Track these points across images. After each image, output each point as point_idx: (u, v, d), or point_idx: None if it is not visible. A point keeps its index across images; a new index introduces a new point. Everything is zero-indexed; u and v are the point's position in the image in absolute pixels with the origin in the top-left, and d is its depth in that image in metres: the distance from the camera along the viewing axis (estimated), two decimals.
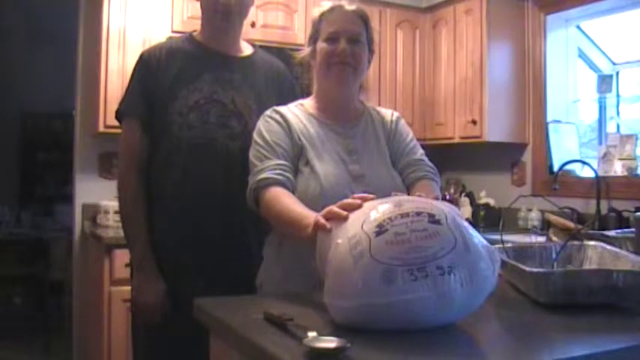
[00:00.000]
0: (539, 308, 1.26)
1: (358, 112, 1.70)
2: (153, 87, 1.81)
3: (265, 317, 1.13)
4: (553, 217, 2.04)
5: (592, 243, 1.53)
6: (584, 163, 3.38)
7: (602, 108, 3.70)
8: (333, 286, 1.08)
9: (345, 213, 1.18)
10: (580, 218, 3.20)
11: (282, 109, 1.65)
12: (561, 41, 3.72)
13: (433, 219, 1.08)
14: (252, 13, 3.05)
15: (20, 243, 5.18)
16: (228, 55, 1.88)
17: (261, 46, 2.05)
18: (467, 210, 3.83)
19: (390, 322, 1.03)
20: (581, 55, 3.79)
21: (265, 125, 1.60)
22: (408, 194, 1.50)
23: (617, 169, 3.30)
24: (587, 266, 1.48)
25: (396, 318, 1.03)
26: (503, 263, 1.36)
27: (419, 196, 1.29)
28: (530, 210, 3.55)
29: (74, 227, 3.51)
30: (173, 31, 3.18)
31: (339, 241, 1.12)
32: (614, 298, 1.23)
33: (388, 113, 1.75)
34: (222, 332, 1.19)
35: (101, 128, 3.13)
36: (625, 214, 3.06)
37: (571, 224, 1.99)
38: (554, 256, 1.52)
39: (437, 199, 1.34)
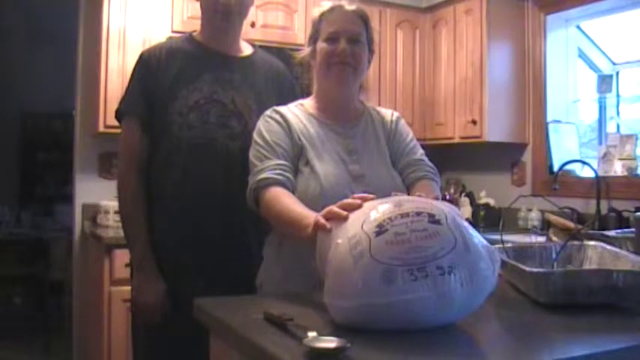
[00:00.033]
0: (539, 308, 1.25)
1: (358, 112, 1.70)
2: (153, 87, 1.81)
3: (265, 317, 1.13)
4: (553, 217, 2.04)
5: (592, 243, 1.53)
6: (584, 163, 3.38)
7: (602, 108, 3.70)
8: (333, 286, 1.08)
9: (345, 213, 1.18)
10: (580, 218, 3.20)
11: (282, 109, 1.65)
12: (561, 41, 3.72)
13: (433, 219, 1.08)
14: (252, 13, 3.05)
15: (20, 243, 5.18)
16: (228, 55, 1.88)
17: (261, 46, 2.05)
18: (467, 210, 3.83)
19: (390, 322, 1.03)
20: (581, 55, 3.79)
21: (265, 125, 1.60)
22: (408, 194, 1.50)
23: (617, 169, 3.30)
24: (587, 266, 1.48)
25: (396, 318, 1.03)
26: (503, 263, 1.36)
27: (419, 196, 1.29)
28: (530, 210, 3.55)
29: (74, 227, 3.51)
30: (173, 31, 3.18)
31: (339, 241, 1.12)
32: (614, 298, 1.23)
33: (388, 113, 1.75)
34: (222, 332, 1.19)
35: (101, 128, 3.13)
36: (625, 214, 3.06)
37: (571, 224, 1.98)
38: (554, 256, 1.52)
39: (437, 199, 1.34)
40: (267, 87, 1.90)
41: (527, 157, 3.77)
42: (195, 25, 1.98)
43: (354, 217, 1.15)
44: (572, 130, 3.68)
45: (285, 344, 0.98)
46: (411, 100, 4.01)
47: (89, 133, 3.43)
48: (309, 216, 1.32)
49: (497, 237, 1.63)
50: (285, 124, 1.60)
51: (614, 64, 3.75)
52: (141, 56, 1.88)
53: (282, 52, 2.40)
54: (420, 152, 1.70)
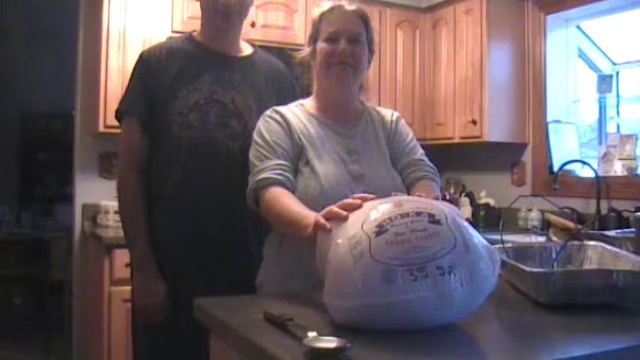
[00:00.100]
0: (539, 308, 1.25)
1: (358, 112, 1.70)
2: (153, 87, 1.81)
3: (265, 317, 1.13)
4: (553, 217, 2.04)
5: (592, 243, 1.53)
6: (584, 163, 3.38)
7: (602, 108, 3.70)
8: (333, 286, 1.08)
9: (345, 213, 1.18)
10: (580, 218, 3.20)
11: (282, 109, 1.65)
12: (561, 41, 3.72)
13: (433, 219, 1.08)
14: (252, 13, 3.05)
15: (20, 243, 5.18)
16: (228, 55, 1.88)
17: (261, 46, 2.05)
18: (467, 210, 3.83)
19: (390, 322, 1.03)
20: (581, 55, 3.79)
21: (265, 125, 1.60)
22: (408, 194, 1.50)
23: (617, 169, 3.30)
24: (587, 266, 1.48)
25: (396, 318, 1.03)
26: (503, 263, 1.36)
27: (419, 196, 1.29)
28: (530, 210, 3.55)
29: (74, 227, 3.51)
30: (173, 31, 3.18)
31: (339, 241, 1.12)
32: (614, 298, 1.23)
33: (388, 113, 1.75)
34: (222, 332, 1.19)
35: (101, 128, 3.13)
36: (625, 214, 3.06)
37: (571, 224, 1.98)
38: (554, 256, 1.52)
39: (437, 199, 1.34)
40: (267, 87, 1.90)
41: (527, 157, 3.77)
42: (195, 25, 1.98)
43: (354, 217, 1.15)
44: (572, 130, 3.68)
45: (285, 344, 0.98)
46: (411, 100, 4.01)
47: (89, 133, 3.43)
48: (309, 216, 1.32)
49: (497, 237, 1.63)
50: (285, 124, 1.60)
51: (614, 64, 3.75)
52: (141, 56, 1.88)
53: (282, 52, 2.40)
54: (420, 152, 1.70)
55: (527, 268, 1.30)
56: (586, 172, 3.43)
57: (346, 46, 1.58)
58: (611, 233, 1.86)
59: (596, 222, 3.13)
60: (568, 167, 3.40)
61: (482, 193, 3.91)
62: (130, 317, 1.93)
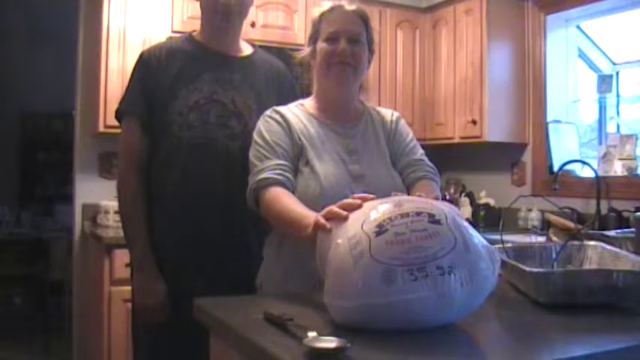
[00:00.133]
0: (539, 308, 1.25)
1: (358, 112, 1.70)
2: (153, 87, 1.81)
3: (265, 317, 1.13)
4: (553, 217, 2.04)
5: (592, 243, 1.53)
6: (584, 163, 3.38)
7: (602, 108, 3.70)
8: (333, 286, 1.08)
9: (345, 213, 1.18)
10: (580, 218, 3.20)
11: (282, 109, 1.65)
12: (561, 41, 3.72)
13: (433, 219, 1.08)
14: (252, 13, 3.05)
15: (20, 243, 5.18)
16: (228, 55, 1.88)
17: (261, 46, 2.05)
18: (467, 210, 3.83)
19: (390, 322, 1.03)
20: (581, 55, 3.79)
21: (265, 125, 1.60)
22: (408, 194, 1.50)
23: (617, 169, 3.30)
24: (587, 266, 1.48)
25: (396, 318, 1.03)
26: (503, 263, 1.36)
27: (419, 196, 1.29)
28: (530, 210, 3.55)
29: (74, 227, 3.52)
30: (173, 31, 3.18)
31: (339, 241, 1.12)
32: (614, 298, 1.23)
33: (388, 113, 1.75)
34: (222, 332, 1.19)
35: (101, 128, 3.13)
36: (625, 214, 3.06)
37: (571, 224, 1.98)
38: (554, 256, 1.52)
39: (437, 199, 1.34)
40: (267, 87, 1.90)
41: (527, 157, 3.77)
42: (195, 25, 1.98)
43: (354, 217, 1.15)
44: (572, 130, 3.68)
45: (285, 344, 0.98)
46: (411, 100, 4.01)
47: (89, 133, 3.43)
48: (309, 216, 1.32)
49: (497, 237, 1.63)
50: (285, 124, 1.60)
51: (614, 64, 3.75)
52: (141, 56, 1.88)
53: (282, 52, 2.40)
54: (420, 152, 1.70)
55: (527, 268, 1.30)
56: (586, 172, 3.43)
57: (346, 46, 1.58)
58: (611, 233, 1.86)
59: (596, 222, 3.13)
60: (568, 167, 3.40)
61: (482, 193, 3.91)
62: (130, 317, 1.93)
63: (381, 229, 1.07)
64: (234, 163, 1.76)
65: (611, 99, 3.61)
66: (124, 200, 1.85)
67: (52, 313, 4.54)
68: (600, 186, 3.22)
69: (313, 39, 1.65)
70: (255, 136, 1.60)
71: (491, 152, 3.94)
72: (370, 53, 1.67)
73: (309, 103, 1.69)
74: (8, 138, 6.33)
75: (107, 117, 3.05)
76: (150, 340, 1.82)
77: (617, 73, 3.69)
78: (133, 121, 1.83)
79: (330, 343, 0.93)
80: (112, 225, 3.19)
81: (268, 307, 1.17)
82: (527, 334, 1.13)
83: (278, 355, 0.94)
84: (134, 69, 1.88)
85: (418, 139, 1.77)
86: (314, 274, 1.28)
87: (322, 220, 1.22)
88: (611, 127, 3.65)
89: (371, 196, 1.23)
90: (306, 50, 1.68)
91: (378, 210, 1.13)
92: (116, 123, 1.92)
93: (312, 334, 0.96)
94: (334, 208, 1.21)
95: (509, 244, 1.55)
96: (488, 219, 3.76)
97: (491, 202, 3.86)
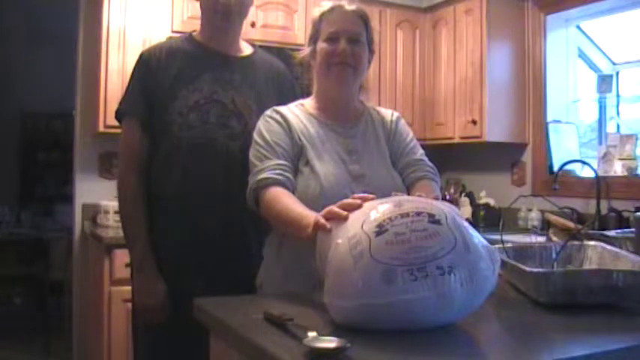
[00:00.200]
0: (539, 308, 1.25)
1: (358, 112, 1.70)
2: (153, 87, 1.81)
3: (265, 317, 1.13)
4: (553, 217, 2.04)
5: (592, 243, 1.53)
6: (584, 163, 3.38)
7: (602, 108, 3.70)
8: (333, 286, 1.08)
9: (345, 213, 1.18)
10: (580, 218, 3.20)
11: (282, 109, 1.65)
12: (561, 41, 3.72)
13: (433, 219, 1.08)
14: (252, 13, 3.05)
15: (20, 243, 5.18)
16: (228, 55, 1.88)
17: (261, 46, 2.05)
18: (467, 210, 3.83)
19: (390, 322, 1.03)
20: (581, 55, 3.79)
21: (265, 125, 1.60)
22: (408, 194, 1.51)
23: (617, 169, 3.30)
24: (587, 266, 1.48)
25: (396, 318, 1.03)
26: (503, 263, 1.36)
27: (419, 196, 1.29)
28: (530, 210, 3.56)
29: (74, 227, 3.52)
30: (173, 31, 3.18)
31: (339, 241, 1.11)
32: (614, 298, 1.23)
33: (388, 113, 1.75)
34: (222, 332, 1.19)
35: (101, 128, 3.13)
36: (625, 214, 3.06)
37: (571, 224, 1.98)
38: (554, 256, 1.52)
39: (437, 199, 1.34)
40: (267, 87, 1.90)
41: (527, 157, 3.77)
42: (195, 25, 1.98)
43: (354, 217, 1.15)
44: (572, 130, 3.68)
45: (285, 344, 0.98)
46: (411, 100, 4.01)
47: (89, 133, 3.43)
48: (309, 216, 1.32)
49: (497, 237, 1.63)
50: (286, 124, 1.60)
51: (614, 64, 3.75)
52: (141, 56, 1.88)
53: (282, 52, 2.40)
54: (420, 152, 1.70)
55: (527, 268, 1.30)
56: (586, 172, 3.43)
57: (346, 46, 1.58)
58: (611, 233, 1.86)
59: (596, 222, 3.14)
60: (568, 167, 3.40)
61: (483, 193, 3.91)
62: (130, 317, 1.93)
63: (381, 229, 1.07)
64: (234, 163, 1.76)
65: (611, 99, 3.61)
66: (124, 200, 1.85)
67: (52, 313, 4.54)
68: (600, 186, 3.22)
69: (313, 39, 1.65)
70: (255, 136, 1.60)
71: (491, 152, 3.94)
72: (370, 53, 1.67)
73: (309, 103, 1.69)
74: (8, 138, 6.33)
75: (107, 117, 3.05)
76: (150, 340, 1.82)
77: (617, 73, 3.69)
78: (133, 121, 1.83)
79: (330, 343, 0.93)
80: (112, 225, 3.19)
81: (268, 307, 1.17)
82: (527, 334, 1.13)
83: (278, 355, 0.94)
84: (134, 69, 1.88)
85: (418, 139, 1.77)
86: (314, 274, 1.28)
87: (322, 220, 1.22)
88: (611, 127, 3.65)
89: (371, 196, 1.23)
90: (306, 50, 1.68)
91: (378, 210, 1.13)
92: (116, 123, 1.92)
93: (312, 334, 0.96)
94: (334, 208, 1.21)
95: (509, 244, 1.55)
96: (488, 219, 3.76)
97: (492, 202, 3.86)
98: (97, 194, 3.39)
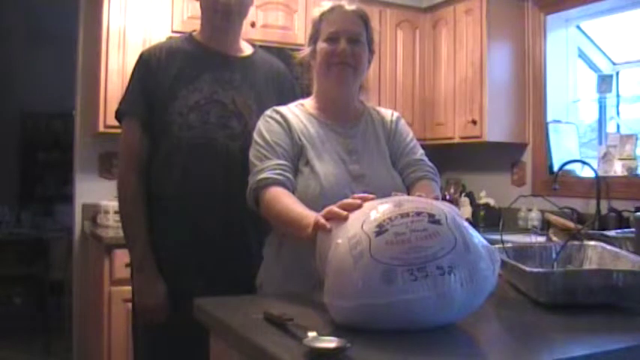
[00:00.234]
0: (539, 308, 1.25)
1: (358, 112, 1.70)
2: (153, 87, 1.81)
3: (265, 317, 1.13)
4: (553, 217, 2.04)
5: (592, 243, 1.53)
6: (584, 163, 3.38)
7: (602, 108, 3.70)
8: (333, 286, 1.08)
9: (345, 213, 1.18)
10: (580, 218, 3.20)
11: (282, 109, 1.65)
12: (561, 41, 3.72)
13: (433, 219, 1.08)
14: (252, 13, 3.05)
15: (20, 243, 5.18)
16: (228, 55, 1.88)
17: (261, 46, 2.05)
18: (467, 210, 3.83)
19: (390, 322, 1.03)
20: (581, 55, 3.79)
21: (265, 125, 1.60)
22: (408, 194, 1.51)
23: (617, 169, 3.30)
24: (587, 266, 1.48)
25: (396, 318, 1.03)
26: (503, 263, 1.36)
27: (419, 196, 1.29)
28: (530, 210, 3.56)
29: (74, 227, 3.52)
30: (173, 31, 3.18)
31: (339, 241, 1.11)
32: (614, 298, 1.23)
33: (388, 113, 1.75)
34: (222, 332, 1.19)
35: (101, 128, 3.13)
36: (625, 214, 3.06)
37: (571, 224, 1.98)
38: (554, 256, 1.52)
39: (437, 199, 1.34)
40: (268, 87, 1.90)
41: (527, 157, 3.77)
42: (195, 25, 1.98)
43: (354, 217, 1.15)
44: (572, 130, 3.68)
45: (285, 344, 0.98)
46: (411, 100, 4.01)
47: (89, 133, 3.43)
48: (309, 216, 1.32)
49: (497, 237, 1.63)
50: (286, 124, 1.60)
51: (614, 64, 3.75)
52: (141, 56, 1.88)
53: (282, 52, 2.40)
54: (420, 152, 1.70)
55: (527, 268, 1.30)
56: (586, 172, 3.43)
57: (346, 46, 1.58)
58: (611, 233, 1.86)
59: (596, 222, 3.14)
60: (568, 167, 3.40)
61: (483, 193, 3.91)
62: (130, 317, 1.93)
63: (381, 229, 1.07)
64: (234, 163, 1.76)
65: (611, 99, 3.61)
66: (124, 200, 1.85)
67: (52, 313, 4.54)
68: (600, 186, 3.22)
69: (313, 39, 1.65)
70: (255, 136, 1.60)
71: (491, 152, 3.94)
72: (370, 53, 1.67)
73: (309, 103, 1.69)
74: (8, 138, 6.33)
75: (107, 117, 3.05)
76: (150, 340, 1.82)
77: (617, 73, 3.69)
78: (133, 121, 1.83)
79: (330, 343, 0.93)
80: (112, 225, 3.19)
81: (268, 307, 1.17)
82: (527, 334, 1.13)
83: (278, 355, 0.94)
84: (134, 69, 1.88)
85: (418, 139, 1.77)
86: (314, 274, 1.28)
87: (322, 220, 1.22)
88: (611, 127, 3.65)
89: (371, 196, 1.23)
90: (306, 50, 1.68)
91: (378, 210, 1.13)
92: (116, 123, 1.92)
93: (312, 334, 0.96)
94: (334, 208, 1.21)
95: (509, 244, 1.55)
96: (488, 219, 3.76)
97: (492, 202, 3.86)
98: (97, 194, 3.39)
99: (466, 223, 1.12)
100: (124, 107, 1.86)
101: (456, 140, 3.80)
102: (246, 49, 1.95)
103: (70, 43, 3.67)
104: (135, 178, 1.82)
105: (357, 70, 1.61)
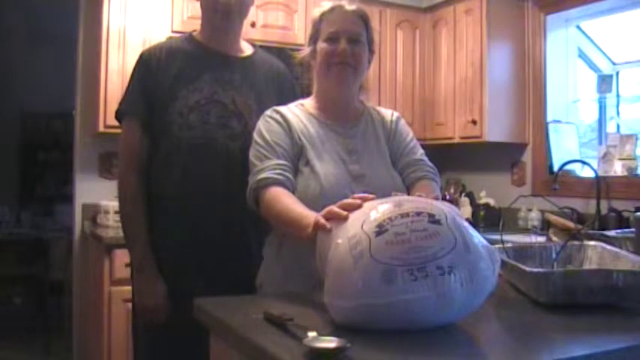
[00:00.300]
0: (539, 308, 1.25)
1: (358, 112, 1.70)
2: (153, 87, 1.81)
3: (265, 317, 1.13)
4: (553, 217, 2.04)
5: (592, 243, 1.53)
6: (584, 163, 3.38)
7: (602, 108, 3.70)
8: (333, 286, 1.08)
9: (345, 213, 1.18)
10: (580, 218, 3.20)
11: (282, 108, 1.65)
12: (561, 41, 3.72)
13: (433, 219, 1.08)
14: (252, 13, 3.04)
15: (20, 243, 5.18)
16: (228, 55, 1.88)
17: (261, 46, 2.05)
18: (467, 210, 3.83)
19: (390, 322, 1.03)
20: (581, 55, 3.79)
21: (265, 125, 1.60)
22: (408, 194, 1.51)
23: (617, 169, 3.30)
24: (587, 266, 1.48)
25: (396, 318, 1.03)
26: (503, 263, 1.36)
27: (419, 196, 1.29)
28: (530, 210, 3.56)
29: (74, 227, 3.52)
30: (173, 31, 3.18)
31: (339, 241, 1.11)
32: (614, 298, 1.23)
33: (388, 113, 1.75)
34: (222, 332, 1.19)
35: (101, 128, 3.14)
36: (625, 214, 3.06)
37: (571, 224, 1.98)
38: (554, 256, 1.52)
39: (437, 199, 1.34)
40: (268, 87, 1.90)
41: (527, 157, 3.77)
42: (195, 25, 1.98)
43: (354, 217, 1.15)
44: (572, 130, 3.68)
45: (285, 344, 0.98)
46: (411, 100, 4.01)
47: (89, 133, 3.43)
48: (309, 216, 1.32)
49: (497, 237, 1.63)
50: (286, 124, 1.60)
51: (614, 64, 3.75)
52: (141, 56, 1.88)
53: (282, 52, 2.40)
54: (420, 152, 1.70)
55: (527, 268, 1.30)
56: (586, 172, 3.43)
57: (346, 46, 1.58)
58: (611, 233, 1.86)
59: (596, 222, 3.14)
60: (568, 167, 3.40)
61: (483, 193, 3.91)
62: (130, 317, 1.93)
63: (381, 229, 1.07)
64: (234, 163, 1.76)
65: (611, 99, 3.61)
66: (124, 200, 1.85)
67: (52, 313, 4.54)
68: (600, 186, 3.22)
69: (313, 39, 1.65)
70: (255, 136, 1.60)
71: (491, 152, 3.94)
72: (370, 53, 1.67)
73: (309, 103, 1.69)
74: (8, 138, 6.33)
75: (107, 117, 3.05)
76: (150, 340, 1.82)
77: (617, 73, 3.69)
78: (133, 121, 1.83)
79: (330, 343, 0.93)
80: (112, 225, 3.19)
81: (268, 307, 1.17)
82: (527, 334, 1.13)
83: (278, 355, 0.94)
84: (134, 69, 1.88)
85: (418, 139, 1.77)
86: (314, 274, 1.28)
87: (322, 220, 1.22)
88: (611, 127, 3.65)
89: (371, 196, 1.23)
90: (306, 50, 1.68)
91: (378, 210, 1.13)
92: (116, 123, 1.92)
93: (312, 334, 0.96)
94: (334, 208, 1.21)
95: (509, 244, 1.55)
96: (488, 219, 3.76)
97: (492, 202, 3.86)
98: (97, 194, 3.39)
99: (466, 223, 1.12)
100: (124, 107, 1.86)
101: (456, 140, 3.80)
102: (247, 49, 1.95)
103: (70, 43, 3.67)
104: (135, 178, 1.82)
105: (357, 70, 1.61)
